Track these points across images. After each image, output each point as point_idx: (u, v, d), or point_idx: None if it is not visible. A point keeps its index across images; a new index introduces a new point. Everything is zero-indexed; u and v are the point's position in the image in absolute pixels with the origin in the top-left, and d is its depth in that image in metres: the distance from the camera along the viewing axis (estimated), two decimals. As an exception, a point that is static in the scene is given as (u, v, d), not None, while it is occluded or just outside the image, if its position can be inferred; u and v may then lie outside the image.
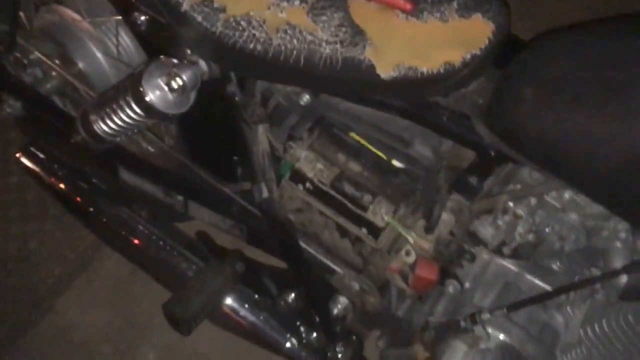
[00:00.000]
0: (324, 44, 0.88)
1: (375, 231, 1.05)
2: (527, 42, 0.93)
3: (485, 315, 1.01)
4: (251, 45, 0.89)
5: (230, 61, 0.97)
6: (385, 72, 0.87)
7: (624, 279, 0.94)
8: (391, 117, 1.04)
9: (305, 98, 1.07)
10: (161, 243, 1.28)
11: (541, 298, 0.97)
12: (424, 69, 0.87)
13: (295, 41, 0.88)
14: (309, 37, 0.88)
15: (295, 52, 0.88)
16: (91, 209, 1.37)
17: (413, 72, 0.87)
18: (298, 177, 1.08)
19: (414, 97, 0.95)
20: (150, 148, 1.34)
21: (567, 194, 0.96)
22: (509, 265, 1.13)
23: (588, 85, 0.78)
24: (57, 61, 1.33)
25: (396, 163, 1.09)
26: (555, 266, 1.11)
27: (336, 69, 0.89)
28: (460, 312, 1.12)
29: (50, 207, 1.88)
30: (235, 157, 1.15)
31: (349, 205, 1.05)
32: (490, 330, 1.04)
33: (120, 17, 1.15)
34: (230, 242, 1.41)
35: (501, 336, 1.04)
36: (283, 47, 0.88)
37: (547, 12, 2.16)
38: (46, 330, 1.77)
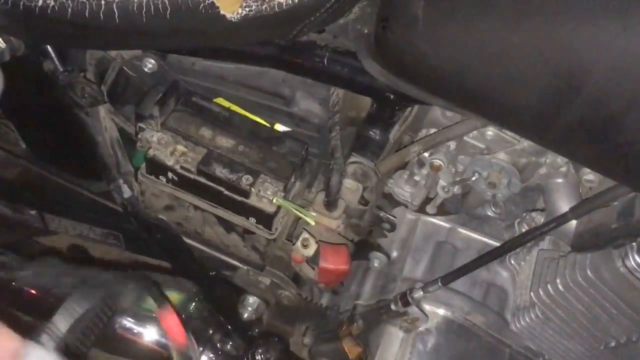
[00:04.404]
0: (137, -14, 0.64)
1: (265, 219, 0.82)
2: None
3: (418, 293, 0.83)
4: (48, 1, 0.64)
5: (30, 30, 0.72)
6: (231, 11, 0.64)
7: (573, 222, 0.78)
8: (262, 71, 0.81)
9: (150, 63, 0.83)
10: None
11: (478, 263, 0.79)
12: (282, 0, 0.64)
13: (97, -12, 0.64)
14: (116, -20, 0.64)
15: (104, 4, 0.64)
16: None
17: (268, 5, 0.64)
18: (156, 167, 0.83)
19: (279, 38, 0.73)
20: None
21: (491, 131, 0.77)
22: (439, 222, 0.96)
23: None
24: None
25: (280, 127, 0.86)
26: (490, 212, 0.96)
27: (166, 18, 0.65)
28: (392, 289, 0.95)
29: None
30: (82, 152, 0.90)
31: (226, 192, 0.81)
32: (427, 307, 0.88)
33: None
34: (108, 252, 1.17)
35: (441, 311, 0.90)
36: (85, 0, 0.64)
37: None
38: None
